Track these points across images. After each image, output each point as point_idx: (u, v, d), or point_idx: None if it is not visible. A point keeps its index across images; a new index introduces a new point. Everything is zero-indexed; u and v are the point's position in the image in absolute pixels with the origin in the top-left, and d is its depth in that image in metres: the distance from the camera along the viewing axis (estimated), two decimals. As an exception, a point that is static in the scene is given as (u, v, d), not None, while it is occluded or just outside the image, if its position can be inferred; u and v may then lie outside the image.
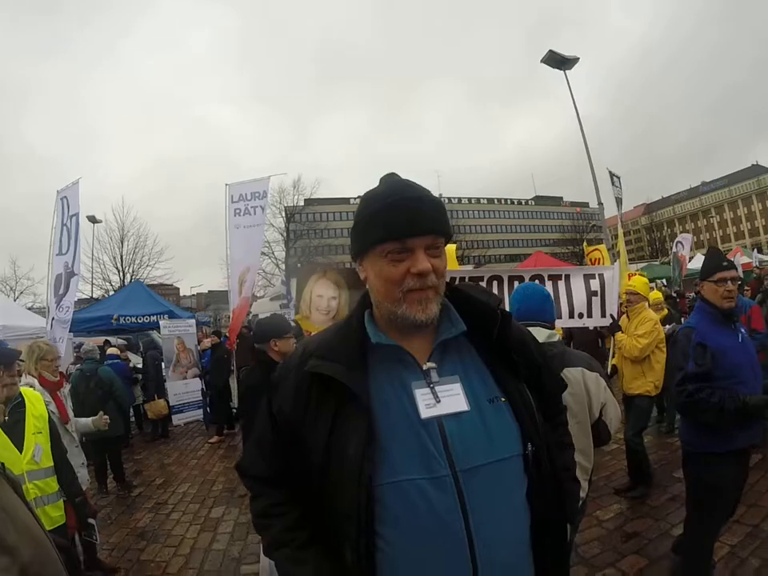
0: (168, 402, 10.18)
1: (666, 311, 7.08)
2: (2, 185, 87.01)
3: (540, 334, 2.37)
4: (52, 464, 3.03)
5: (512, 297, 2.67)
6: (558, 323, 4.73)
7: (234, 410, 9.84)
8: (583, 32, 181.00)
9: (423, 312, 1.16)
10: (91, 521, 3.16)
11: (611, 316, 5.05)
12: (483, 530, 1.07)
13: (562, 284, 5.14)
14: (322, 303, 5.18)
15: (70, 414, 4.28)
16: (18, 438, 2.68)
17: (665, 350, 5.03)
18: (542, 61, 15.77)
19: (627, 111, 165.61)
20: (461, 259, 51.34)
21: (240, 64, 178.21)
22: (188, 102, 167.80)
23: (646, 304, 5.22)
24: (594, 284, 5.14)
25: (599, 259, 8.21)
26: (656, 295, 7.39)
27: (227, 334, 10.85)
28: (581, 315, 5.11)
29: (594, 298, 5.12)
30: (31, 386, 3.88)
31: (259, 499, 1.33)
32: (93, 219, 28.95)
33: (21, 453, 2.69)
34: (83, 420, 3.94)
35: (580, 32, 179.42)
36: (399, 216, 1.15)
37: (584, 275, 5.23)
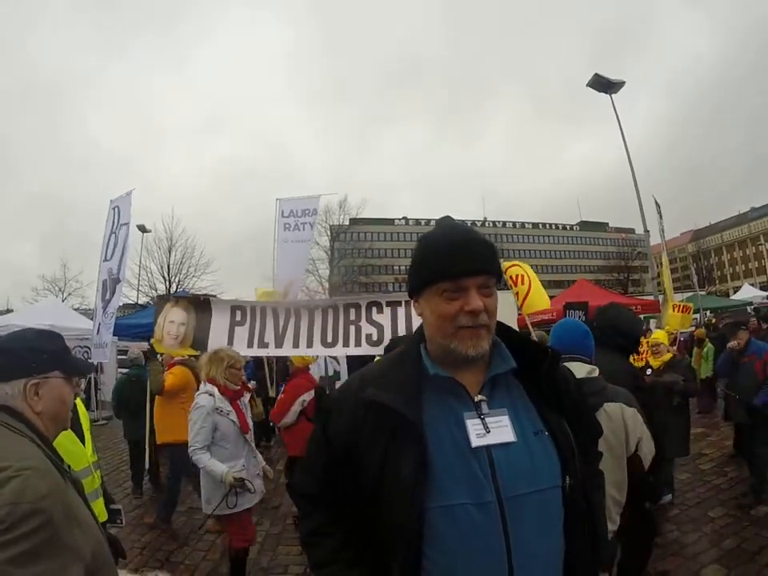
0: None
1: (669, 355, 6.15)
2: (61, 187, 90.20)
3: (581, 369, 2.42)
4: None
5: (553, 331, 2.73)
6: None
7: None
8: (637, 54, 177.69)
9: (473, 348, 1.22)
10: (115, 506, 3.23)
11: None
12: (522, 554, 1.12)
13: (401, 310, 5.20)
14: (173, 328, 5.56)
15: (250, 423, 4.19)
16: (79, 435, 2.83)
17: None
18: (587, 85, 15.68)
19: (679, 133, 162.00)
20: (504, 284, 50.45)
21: (295, 78, 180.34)
22: (242, 115, 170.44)
23: None
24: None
25: (521, 275, 7.89)
26: (658, 335, 6.58)
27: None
28: None
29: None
30: (211, 394, 3.87)
31: (309, 518, 1.39)
32: (143, 228, 29.79)
33: (84, 447, 2.85)
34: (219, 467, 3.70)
35: (634, 54, 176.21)
36: (454, 257, 1.23)
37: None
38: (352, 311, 5.29)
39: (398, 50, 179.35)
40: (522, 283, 7.81)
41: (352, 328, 5.22)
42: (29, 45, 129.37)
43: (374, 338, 5.09)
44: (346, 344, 5.21)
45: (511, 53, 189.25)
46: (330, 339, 5.25)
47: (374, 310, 5.27)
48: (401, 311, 5.19)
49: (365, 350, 5.26)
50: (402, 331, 5.03)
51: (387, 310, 5.24)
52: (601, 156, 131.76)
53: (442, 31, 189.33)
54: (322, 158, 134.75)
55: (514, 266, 8.07)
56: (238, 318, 5.57)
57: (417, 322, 4.17)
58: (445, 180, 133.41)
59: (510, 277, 7.90)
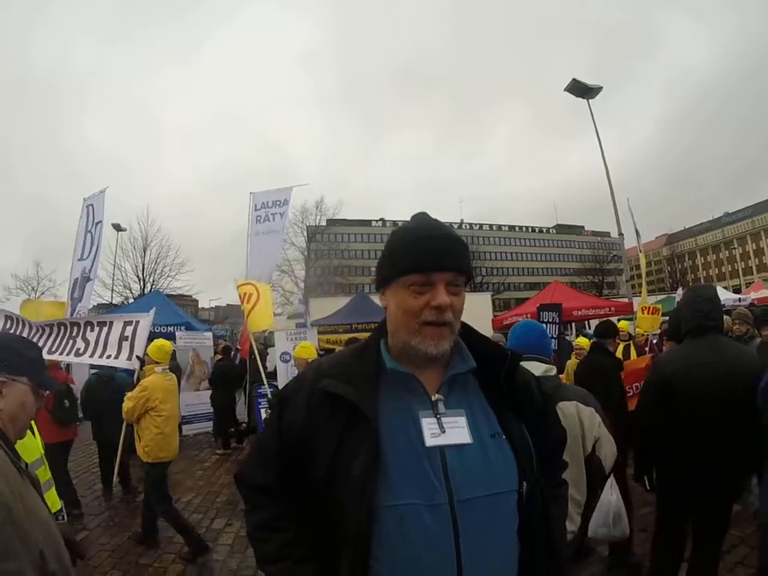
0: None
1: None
2: (39, 183, 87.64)
3: (537, 368, 2.45)
4: None
5: (512, 331, 2.81)
6: (89, 361, 6.43)
7: (244, 424, 9.90)
8: (632, 65, 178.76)
9: (435, 347, 1.20)
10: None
11: (137, 357, 5.95)
12: (473, 559, 1.10)
13: (105, 329, 6.39)
14: None
15: None
16: (30, 428, 2.80)
17: (154, 416, 4.97)
18: (565, 89, 15.86)
19: (667, 142, 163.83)
20: (480, 286, 51.30)
21: (294, 82, 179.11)
22: (244, 115, 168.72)
23: (157, 368, 5.27)
24: (129, 330, 6.30)
25: (250, 294, 8.39)
26: (581, 342, 7.43)
27: (239, 347, 10.90)
28: (108, 356, 6.20)
29: (124, 343, 6.23)
30: None
31: (257, 511, 1.33)
32: (117, 227, 29.40)
33: (35, 438, 2.82)
34: None
35: (627, 66, 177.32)
36: (426, 250, 1.21)
37: (124, 321, 6.47)
38: (75, 328, 6.43)
39: (399, 57, 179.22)
40: (248, 302, 8.42)
41: (70, 341, 6.32)
42: (28, 36, 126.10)
43: (81, 351, 6.23)
44: (61, 353, 6.28)
45: (511, 62, 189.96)
46: (54, 348, 6.26)
47: (89, 328, 6.41)
48: (105, 329, 6.35)
49: (71, 359, 6.55)
50: (100, 347, 6.29)
51: (97, 329, 6.38)
52: (582, 161, 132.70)
53: (441, 40, 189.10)
54: (320, 157, 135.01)
55: (247, 284, 8.71)
56: (8, 325, 6.44)
57: (110, 342, 5.77)
58: (429, 183, 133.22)
59: (241, 294, 8.54)
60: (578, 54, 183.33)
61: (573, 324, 18.46)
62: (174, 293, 32.39)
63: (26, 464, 1.52)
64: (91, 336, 6.33)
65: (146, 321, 6.32)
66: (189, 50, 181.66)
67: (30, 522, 1.28)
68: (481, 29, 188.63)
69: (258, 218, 9.83)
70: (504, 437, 1.22)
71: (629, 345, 8.18)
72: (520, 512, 1.19)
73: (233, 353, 10.85)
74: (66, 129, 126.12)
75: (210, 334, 11.91)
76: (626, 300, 15.90)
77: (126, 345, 6.15)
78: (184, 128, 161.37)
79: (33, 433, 2.80)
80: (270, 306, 8.81)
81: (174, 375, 5.68)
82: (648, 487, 3.23)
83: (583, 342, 7.43)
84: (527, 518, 1.20)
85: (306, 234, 46.29)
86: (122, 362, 6.20)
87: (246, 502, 1.40)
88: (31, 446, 2.62)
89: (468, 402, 1.25)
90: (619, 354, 8.08)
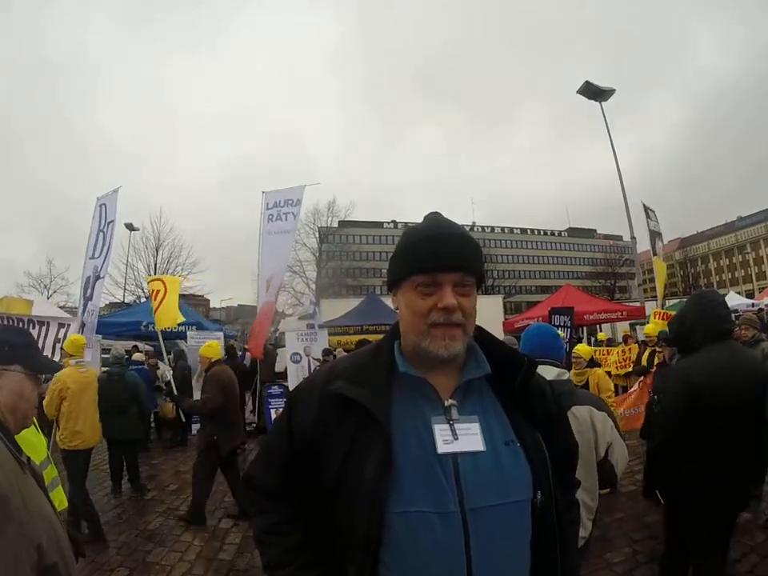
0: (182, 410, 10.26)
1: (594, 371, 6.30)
2: (54, 181, 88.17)
3: (550, 372, 2.44)
4: None
5: (524, 335, 2.75)
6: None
7: (254, 425, 9.92)
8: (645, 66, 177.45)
9: (445, 349, 1.17)
10: None
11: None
12: (484, 568, 1.07)
13: (44, 328, 6.83)
14: None
15: None
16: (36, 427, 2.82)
17: (66, 405, 5.29)
18: (578, 92, 15.84)
19: (682, 145, 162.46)
20: (491, 289, 51.16)
21: (305, 80, 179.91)
22: (258, 111, 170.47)
23: (71, 361, 5.60)
24: (62, 333, 6.87)
25: (158, 291, 8.49)
26: (580, 349, 6.64)
27: (245, 347, 10.91)
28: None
29: (57, 345, 6.76)
30: None
31: (264, 515, 1.32)
32: (130, 227, 29.67)
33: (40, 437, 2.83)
34: None
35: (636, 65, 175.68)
36: (432, 250, 1.18)
37: (59, 323, 7.02)
38: (20, 323, 6.67)
39: (412, 60, 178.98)
40: (155, 299, 8.54)
41: None
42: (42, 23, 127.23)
43: None
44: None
45: (523, 65, 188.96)
46: None
47: (30, 325, 6.74)
48: (43, 329, 6.81)
49: None
50: (47, 347, 6.76)
51: (37, 326, 6.80)
52: (594, 164, 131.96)
53: (462, 41, 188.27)
54: (332, 158, 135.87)
55: (155, 280, 8.93)
56: None
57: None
58: (441, 185, 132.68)
59: (151, 290, 8.74)
60: (593, 58, 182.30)
61: (584, 328, 18.38)
62: (186, 292, 32.54)
63: (28, 458, 1.51)
64: (33, 333, 6.64)
65: (75, 325, 7.03)
66: (205, 48, 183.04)
67: (30, 515, 1.28)
68: (501, 32, 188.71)
69: (270, 217, 9.86)
70: (519, 445, 1.19)
71: (654, 351, 7.73)
72: (533, 523, 1.17)
73: (240, 353, 10.86)
74: (82, 123, 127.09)
75: (220, 334, 11.90)
76: (638, 304, 15.81)
77: (58, 347, 6.66)
78: (198, 127, 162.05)
79: (38, 430, 2.82)
80: (176, 302, 9.01)
81: (90, 368, 5.94)
82: (662, 500, 3.19)
83: (583, 350, 6.67)
84: (540, 529, 1.17)
85: (317, 235, 46.40)
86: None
87: (254, 505, 1.39)
88: (39, 447, 2.63)
89: (482, 408, 1.22)
90: (644, 360, 7.93)
